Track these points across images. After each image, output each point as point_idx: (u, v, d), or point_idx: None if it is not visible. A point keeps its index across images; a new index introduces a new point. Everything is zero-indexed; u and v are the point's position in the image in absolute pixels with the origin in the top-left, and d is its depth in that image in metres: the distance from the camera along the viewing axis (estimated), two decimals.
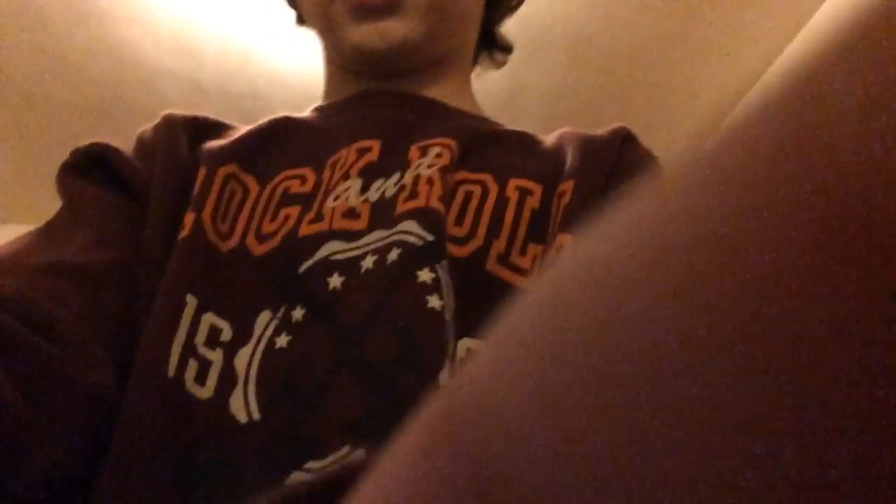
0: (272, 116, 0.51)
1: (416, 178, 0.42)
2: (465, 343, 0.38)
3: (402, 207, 0.41)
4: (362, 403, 0.34)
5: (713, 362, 0.08)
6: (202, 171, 0.45)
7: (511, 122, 0.56)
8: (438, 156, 0.44)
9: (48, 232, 0.42)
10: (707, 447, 0.08)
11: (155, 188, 0.44)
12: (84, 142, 0.46)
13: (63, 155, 0.46)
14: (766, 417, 0.08)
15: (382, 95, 0.52)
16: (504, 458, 0.10)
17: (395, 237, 0.39)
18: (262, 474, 0.33)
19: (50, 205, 0.44)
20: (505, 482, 0.10)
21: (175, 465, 0.35)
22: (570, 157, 0.46)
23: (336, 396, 0.35)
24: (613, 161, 0.46)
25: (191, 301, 0.39)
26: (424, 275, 0.38)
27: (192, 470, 0.34)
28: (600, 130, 0.50)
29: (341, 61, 0.53)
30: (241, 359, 0.37)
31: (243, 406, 0.36)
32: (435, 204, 0.40)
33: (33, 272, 0.37)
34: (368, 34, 0.47)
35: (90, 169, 0.45)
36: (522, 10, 0.65)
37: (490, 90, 1.97)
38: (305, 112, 0.54)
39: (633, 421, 0.09)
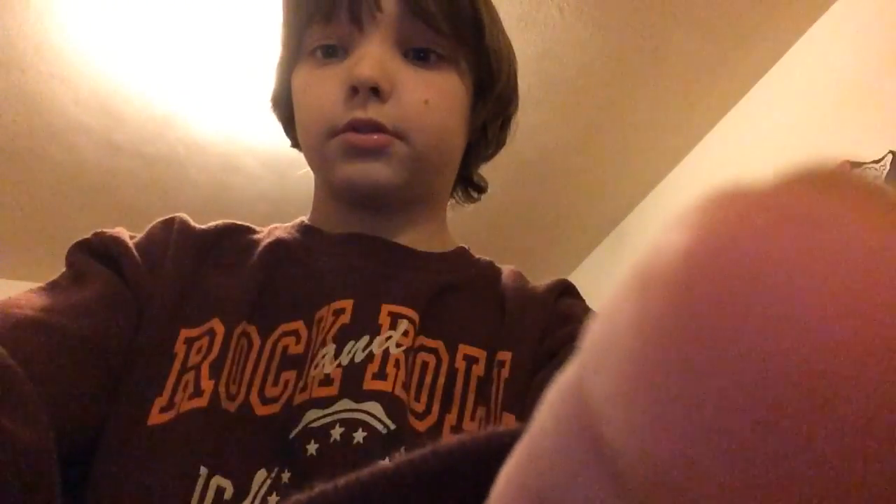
0: (270, 240, 0.55)
1: (385, 355, 0.47)
2: None
3: (369, 384, 0.45)
4: None
5: None
6: (220, 328, 0.48)
7: None
8: (405, 334, 0.48)
9: (47, 290, 0.46)
10: None
11: (153, 307, 0.48)
12: None
13: None
14: None
15: (362, 242, 0.56)
16: None
17: (361, 416, 0.44)
18: None
19: None
20: None
21: None
22: (508, 317, 0.54)
23: None
24: (547, 319, 0.53)
25: (203, 472, 0.42)
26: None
27: None
28: (541, 284, 0.58)
29: (331, 193, 0.58)
30: None
31: None
32: (399, 391, 0.45)
33: (15, 323, 0.41)
34: (356, 172, 0.52)
35: (102, 256, 0.50)
36: None
37: None
38: (293, 229, 0.58)
39: None
